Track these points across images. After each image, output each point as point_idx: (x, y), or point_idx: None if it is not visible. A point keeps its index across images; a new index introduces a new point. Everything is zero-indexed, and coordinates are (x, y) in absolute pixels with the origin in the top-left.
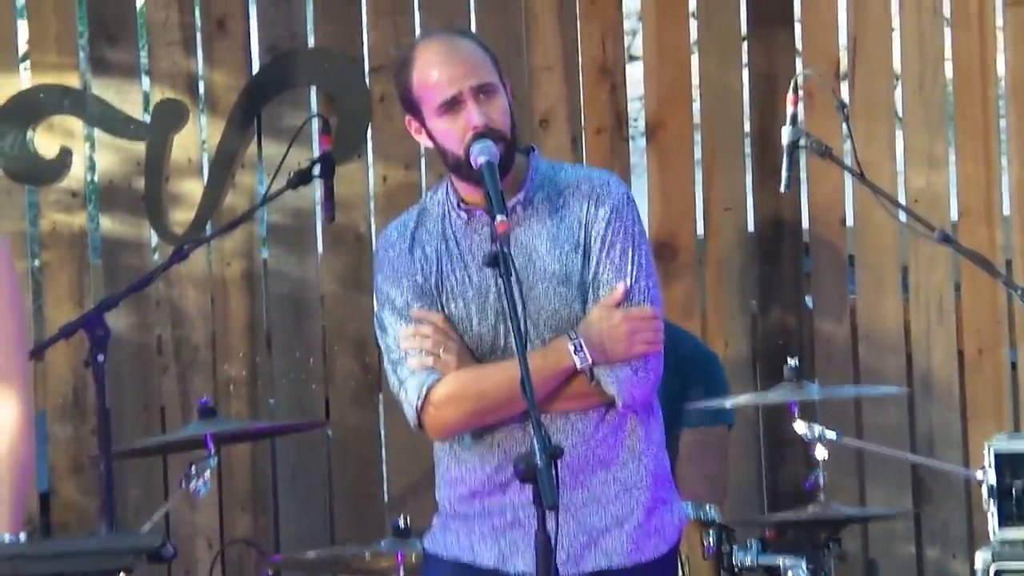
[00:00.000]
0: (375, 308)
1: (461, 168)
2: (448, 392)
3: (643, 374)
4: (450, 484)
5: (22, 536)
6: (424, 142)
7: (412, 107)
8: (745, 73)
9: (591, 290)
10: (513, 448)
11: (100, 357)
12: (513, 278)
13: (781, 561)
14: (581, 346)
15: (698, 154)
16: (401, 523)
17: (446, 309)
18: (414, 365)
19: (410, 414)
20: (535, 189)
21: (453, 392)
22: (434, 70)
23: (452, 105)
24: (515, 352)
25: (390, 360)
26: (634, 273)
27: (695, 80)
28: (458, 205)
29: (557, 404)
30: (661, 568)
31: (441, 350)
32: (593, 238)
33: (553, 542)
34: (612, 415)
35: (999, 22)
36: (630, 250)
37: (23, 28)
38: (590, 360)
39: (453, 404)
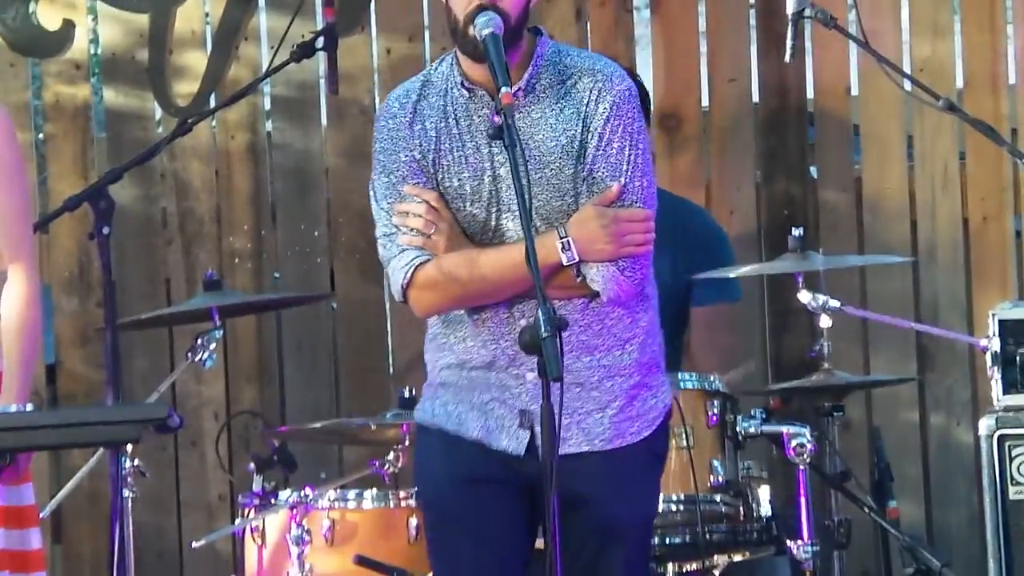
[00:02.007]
0: (373, 179)
1: (459, 35)
2: (433, 276)
3: (630, 273)
4: (438, 349)
5: (29, 406)
6: None
7: None
8: None
9: (585, 185)
10: (498, 327)
11: (105, 230)
12: (518, 150)
13: (785, 429)
14: (569, 244)
15: (702, 25)
16: (406, 394)
17: (441, 186)
18: (404, 242)
19: (396, 290)
20: (538, 74)
21: (437, 277)
22: None
23: None
24: (505, 235)
25: (382, 232)
26: (630, 172)
27: None
28: (462, 83)
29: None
30: (644, 450)
31: (432, 231)
32: (592, 132)
33: (537, 422)
34: (597, 303)
35: None
36: (627, 148)
37: None
38: (577, 257)
39: (437, 288)
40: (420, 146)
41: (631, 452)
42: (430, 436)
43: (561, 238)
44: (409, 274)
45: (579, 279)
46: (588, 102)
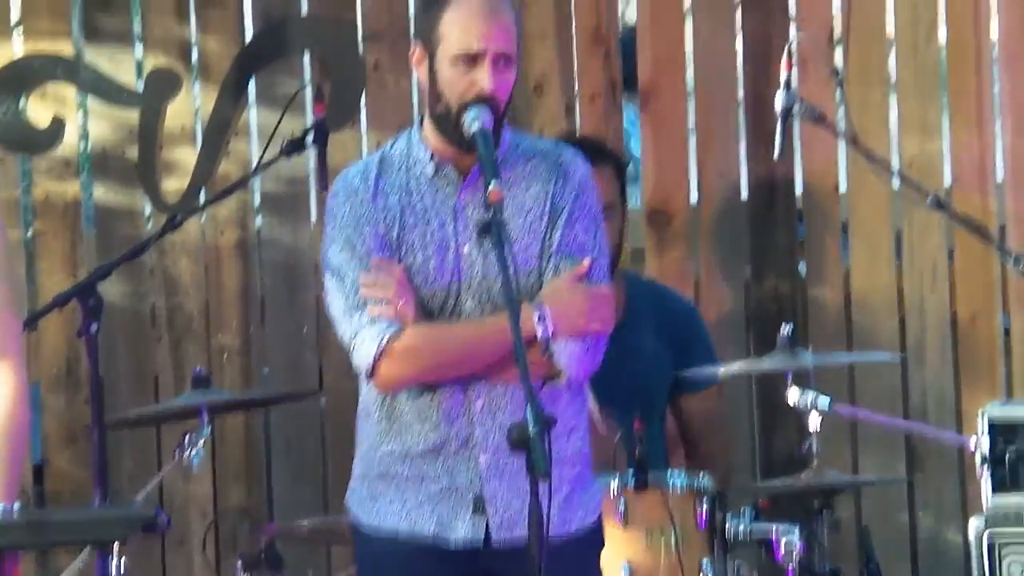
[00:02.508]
0: (327, 250)
1: (447, 120)
2: (409, 345)
3: (592, 352)
4: (378, 436)
5: (16, 506)
6: (420, 74)
7: (427, 39)
8: (739, 39)
9: (550, 262)
10: (453, 409)
11: (93, 327)
12: (507, 247)
13: (774, 529)
14: (545, 316)
15: (691, 121)
16: None
17: (403, 262)
18: (375, 313)
19: (363, 363)
20: (504, 157)
21: (414, 345)
22: (473, 22)
23: (472, 59)
24: (463, 313)
25: (347, 306)
26: (594, 251)
27: (688, 47)
28: (431, 157)
29: (500, 373)
30: (589, 538)
31: (402, 302)
32: (559, 211)
33: (491, 505)
34: (547, 389)
35: None
36: (592, 227)
37: None
38: (551, 331)
39: (413, 357)
40: (384, 220)
41: (578, 538)
42: (376, 544)
43: (537, 309)
44: (384, 342)
45: (545, 355)
46: (554, 181)
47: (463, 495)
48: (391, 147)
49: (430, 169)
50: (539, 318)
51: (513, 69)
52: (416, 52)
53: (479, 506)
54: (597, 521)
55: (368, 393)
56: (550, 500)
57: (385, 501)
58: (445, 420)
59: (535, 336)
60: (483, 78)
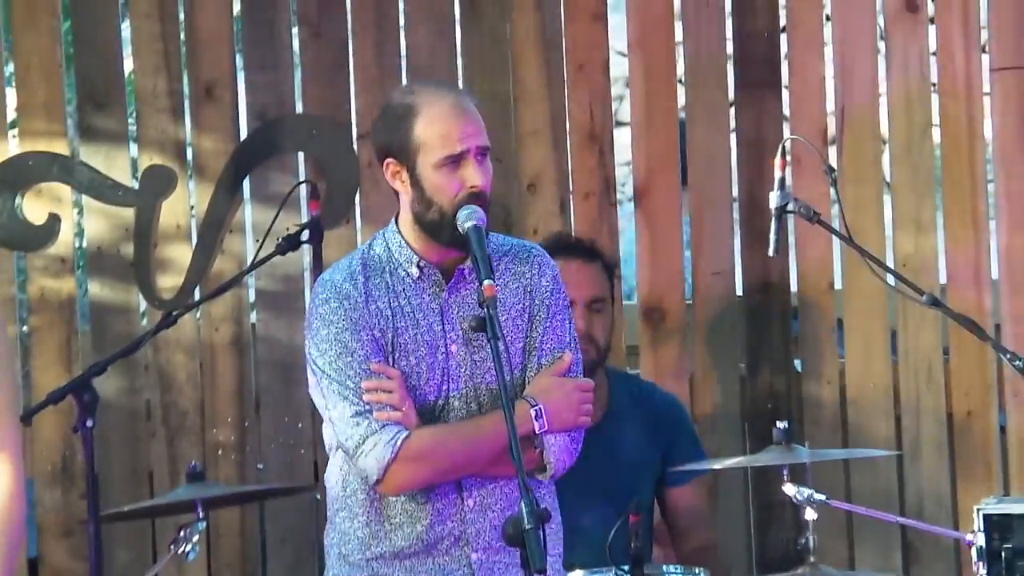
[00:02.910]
0: (320, 356)
1: (439, 225)
2: (420, 449)
3: (576, 445)
4: (364, 539)
5: None
6: (399, 187)
7: (402, 152)
8: (733, 138)
9: (532, 356)
10: (446, 508)
11: (89, 422)
12: (501, 344)
13: None
14: (541, 412)
15: (685, 219)
16: None
17: (397, 366)
18: (383, 418)
19: (374, 469)
20: None
21: (425, 449)
22: (448, 124)
23: (456, 160)
24: (451, 414)
25: (352, 412)
26: (572, 344)
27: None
28: (417, 263)
29: (493, 469)
30: None
31: (405, 406)
32: (538, 305)
33: None
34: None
35: (986, 88)
36: (567, 322)
37: (11, 96)
38: (547, 427)
39: (425, 461)
40: (378, 325)
41: None
42: None
43: (533, 406)
44: (398, 445)
45: (537, 450)
46: (531, 276)
47: None
48: (368, 250)
49: (415, 271)
50: (536, 414)
51: (489, 156)
52: (390, 166)
53: None
54: None
55: (353, 496)
56: None
57: None
58: (439, 520)
59: (531, 432)
60: (471, 176)
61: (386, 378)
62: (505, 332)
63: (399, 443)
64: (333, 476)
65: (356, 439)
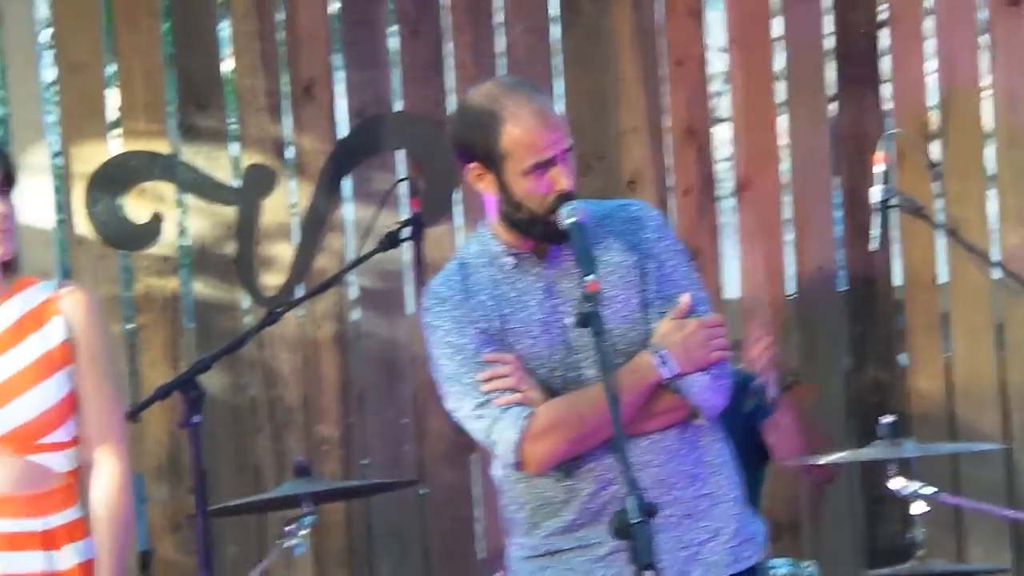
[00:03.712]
0: (439, 364)
1: (531, 224)
2: (548, 421)
3: (721, 380)
4: (542, 518)
5: None
6: (486, 190)
7: (488, 159)
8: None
9: (652, 306)
10: (604, 473)
11: (195, 418)
12: (605, 339)
13: None
14: (666, 358)
15: (787, 214)
16: None
17: (513, 350)
18: (503, 402)
19: (507, 452)
20: None
21: (553, 419)
22: (534, 133)
23: (544, 165)
24: (585, 382)
25: (473, 405)
26: (691, 285)
27: (782, 140)
28: (515, 254)
29: (642, 425)
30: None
31: (525, 387)
32: (648, 258)
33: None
34: (688, 431)
35: None
36: (683, 264)
37: (114, 96)
38: (677, 370)
39: (555, 432)
40: (484, 317)
41: None
42: None
43: (656, 352)
44: (524, 424)
45: (677, 395)
46: (634, 231)
47: (627, 558)
48: (466, 250)
49: (511, 261)
50: (661, 361)
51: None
52: (475, 170)
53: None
54: (762, 559)
55: (513, 486)
56: None
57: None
58: (600, 486)
59: (660, 380)
60: (559, 179)
61: (500, 365)
62: (619, 291)
63: (525, 422)
64: (497, 472)
65: (484, 430)
